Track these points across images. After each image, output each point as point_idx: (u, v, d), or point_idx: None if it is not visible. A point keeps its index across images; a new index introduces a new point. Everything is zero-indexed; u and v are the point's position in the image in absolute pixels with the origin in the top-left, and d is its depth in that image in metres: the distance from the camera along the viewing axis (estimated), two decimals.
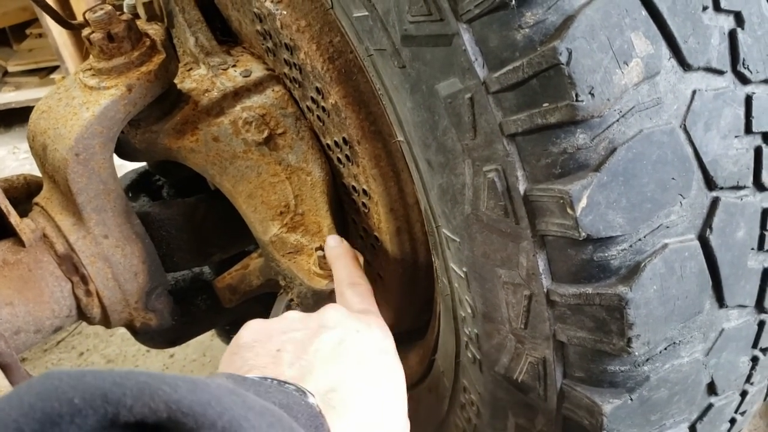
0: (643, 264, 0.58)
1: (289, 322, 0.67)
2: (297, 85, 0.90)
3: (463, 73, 0.57)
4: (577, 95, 0.53)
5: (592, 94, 0.53)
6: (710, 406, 0.71)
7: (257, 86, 0.94)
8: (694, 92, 0.57)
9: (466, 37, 0.56)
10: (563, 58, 0.52)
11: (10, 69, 3.34)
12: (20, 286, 0.84)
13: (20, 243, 0.86)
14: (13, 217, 0.86)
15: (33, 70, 3.33)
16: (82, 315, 0.90)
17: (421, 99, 0.63)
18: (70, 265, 0.87)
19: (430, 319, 0.99)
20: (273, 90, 0.94)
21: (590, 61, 0.53)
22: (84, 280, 0.88)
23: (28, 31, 3.45)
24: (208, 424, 0.33)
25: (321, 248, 0.81)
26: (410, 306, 0.98)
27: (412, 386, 1.07)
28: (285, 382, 0.53)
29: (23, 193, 0.98)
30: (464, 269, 0.71)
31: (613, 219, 0.57)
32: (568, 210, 0.56)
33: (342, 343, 0.65)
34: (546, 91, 0.54)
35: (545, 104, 0.54)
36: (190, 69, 0.99)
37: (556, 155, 0.56)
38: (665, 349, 0.64)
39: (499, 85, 0.56)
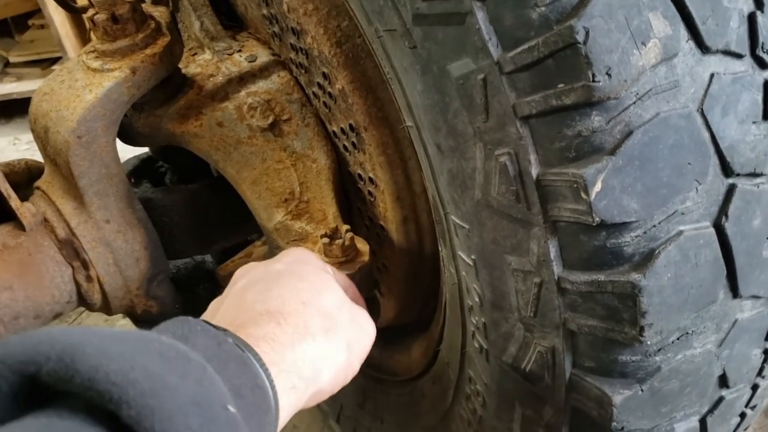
0: (657, 251, 0.57)
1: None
2: (303, 71, 0.89)
3: (476, 53, 0.56)
4: (593, 76, 0.52)
5: (609, 75, 0.52)
6: (721, 399, 0.70)
7: (263, 71, 0.92)
8: (712, 76, 0.55)
9: (480, 16, 0.54)
10: (580, 37, 0.51)
11: (12, 60, 3.33)
12: (20, 270, 0.83)
13: (20, 227, 0.85)
14: (14, 201, 0.85)
15: (35, 61, 3.31)
16: (83, 301, 0.89)
17: (432, 80, 0.62)
18: (71, 249, 0.85)
19: (435, 310, 0.97)
20: (279, 75, 0.92)
21: (607, 41, 0.51)
22: (85, 265, 0.86)
23: (30, 22, 3.43)
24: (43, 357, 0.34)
25: (326, 235, 0.80)
26: (415, 296, 0.97)
27: (415, 378, 1.06)
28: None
29: (24, 178, 0.97)
30: (473, 257, 0.69)
31: (628, 204, 0.55)
32: (582, 194, 0.55)
33: (255, 283, 0.64)
34: (562, 71, 0.53)
35: (560, 85, 0.53)
36: (195, 54, 0.98)
37: (571, 138, 0.55)
38: (677, 339, 0.62)
39: (513, 66, 0.54)
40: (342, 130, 0.87)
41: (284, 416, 0.53)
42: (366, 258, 0.80)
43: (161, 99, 0.89)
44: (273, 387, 0.50)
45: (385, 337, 1.17)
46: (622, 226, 0.56)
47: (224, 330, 0.51)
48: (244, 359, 0.48)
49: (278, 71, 0.93)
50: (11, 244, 0.84)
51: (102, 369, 0.34)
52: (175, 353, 0.40)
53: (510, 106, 0.56)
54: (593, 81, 0.52)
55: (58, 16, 2.92)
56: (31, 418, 0.33)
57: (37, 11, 3.29)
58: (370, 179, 0.87)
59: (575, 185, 0.55)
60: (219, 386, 0.41)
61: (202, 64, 0.94)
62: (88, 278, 0.87)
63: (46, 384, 0.34)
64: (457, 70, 0.58)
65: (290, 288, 0.62)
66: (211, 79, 0.92)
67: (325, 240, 0.79)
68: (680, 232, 0.57)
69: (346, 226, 0.81)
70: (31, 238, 0.84)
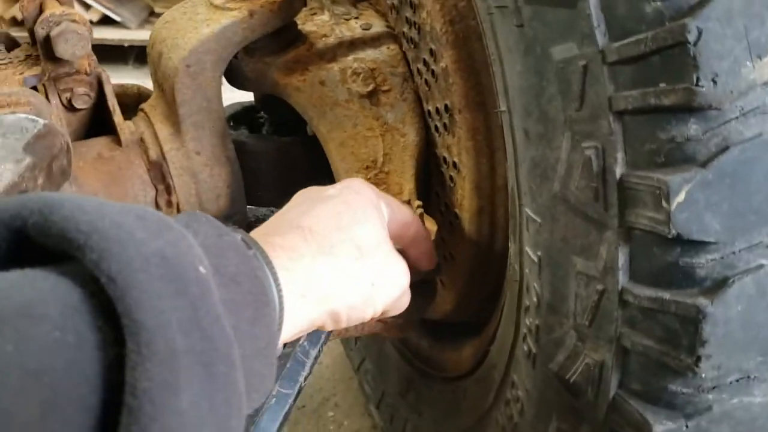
0: (731, 280, 0.54)
1: None
2: (412, 46, 0.89)
3: (582, 39, 0.54)
4: (698, 79, 0.49)
5: (715, 82, 0.49)
6: None
7: (374, 41, 0.94)
8: None
9: (593, 1, 0.53)
10: (691, 37, 0.49)
11: (157, 10, 3.51)
12: (108, 181, 0.87)
13: (118, 142, 0.89)
14: (117, 116, 0.89)
15: None
16: None
17: (533, 62, 0.60)
18: (159, 172, 0.89)
19: (492, 313, 0.95)
20: (388, 47, 0.93)
21: (720, 46, 0.49)
22: (168, 190, 0.90)
23: None
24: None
25: None
26: (477, 293, 0.96)
27: (461, 376, 1.04)
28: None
29: (134, 101, 1.02)
30: (539, 253, 0.68)
31: (710, 223, 0.52)
32: (663, 203, 0.52)
33: (302, 203, 0.65)
34: (666, 69, 0.50)
35: (662, 84, 0.51)
36: (314, 14, 1.00)
37: (663, 142, 0.52)
38: (737, 381, 0.58)
39: (618, 56, 0.52)
40: (437, 110, 0.87)
41: (293, 324, 0.53)
42: (431, 238, 0.80)
43: (273, 48, 0.92)
44: (278, 286, 0.50)
45: (439, 332, 1.16)
46: (698, 245, 0.53)
47: (234, 229, 0.51)
48: (245, 251, 0.47)
49: (389, 43, 0.94)
50: (106, 155, 0.88)
51: (73, 220, 0.35)
52: (156, 218, 0.39)
53: (606, 98, 0.54)
54: (697, 85, 0.49)
55: None
56: (15, 271, 0.34)
57: None
58: (454, 164, 0.86)
59: (658, 192, 0.53)
60: (195, 252, 0.40)
61: (319, 24, 0.96)
62: (169, 203, 0.90)
63: (34, 239, 0.35)
64: (560, 53, 0.57)
65: (331, 211, 0.61)
66: (323, 39, 0.94)
67: None
68: (761, 266, 0.54)
69: (418, 202, 0.81)
70: (125, 154, 0.89)
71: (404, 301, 0.69)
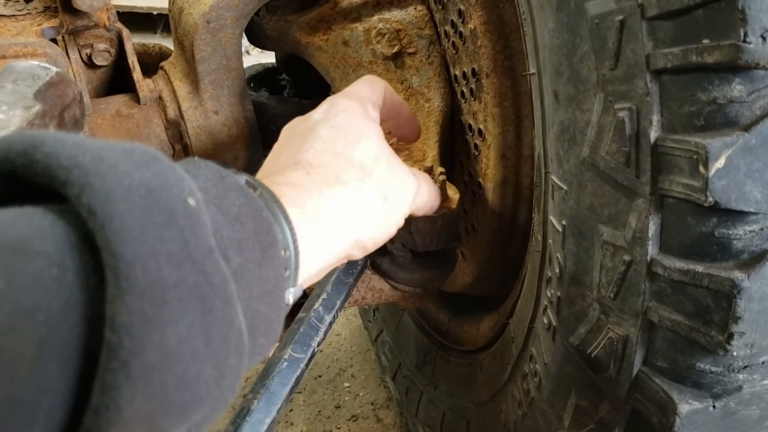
0: None
1: None
2: (440, 6, 0.86)
3: None
4: (745, 35, 0.46)
5: (764, 38, 0.46)
6: None
7: (400, 1, 0.90)
8: None
9: None
10: None
11: None
12: (126, 139, 0.86)
13: (137, 100, 0.88)
14: (136, 74, 0.87)
15: None
16: None
17: (566, 18, 0.57)
18: (176, 131, 0.87)
19: (512, 289, 0.93)
20: (415, 8, 0.90)
21: None
22: (185, 149, 0.88)
23: None
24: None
25: None
26: (497, 267, 0.93)
27: (478, 350, 1.02)
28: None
29: (155, 60, 1.00)
30: (563, 222, 0.65)
31: (750, 191, 0.49)
32: (701, 168, 0.49)
33: (292, 137, 0.62)
34: (711, 24, 0.47)
35: (705, 40, 0.47)
36: None
37: (703, 104, 0.49)
38: None
39: (658, 10, 0.49)
40: (464, 74, 0.83)
41: (314, 261, 0.51)
42: (453, 205, 0.77)
43: (295, 6, 0.89)
44: (291, 226, 0.48)
45: (457, 305, 1.14)
46: (737, 216, 0.50)
47: (238, 171, 0.48)
48: (248, 192, 0.45)
49: (416, 4, 0.90)
50: (124, 113, 0.86)
51: (55, 156, 0.33)
52: (144, 151, 0.37)
53: (643, 56, 0.51)
54: (744, 41, 0.46)
55: None
56: (11, 208, 0.33)
57: None
58: (480, 131, 0.83)
59: (695, 157, 0.49)
60: (186, 184, 0.37)
61: None
62: None
63: (25, 180, 0.33)
64: (595, 8, 0.54)
65: (323, 139, 0.58)
66: None
67: None
68: None
69: (441, 169, 0.78)
70: (143, 112, 0.87)
71: (424, 197, 0.68)
